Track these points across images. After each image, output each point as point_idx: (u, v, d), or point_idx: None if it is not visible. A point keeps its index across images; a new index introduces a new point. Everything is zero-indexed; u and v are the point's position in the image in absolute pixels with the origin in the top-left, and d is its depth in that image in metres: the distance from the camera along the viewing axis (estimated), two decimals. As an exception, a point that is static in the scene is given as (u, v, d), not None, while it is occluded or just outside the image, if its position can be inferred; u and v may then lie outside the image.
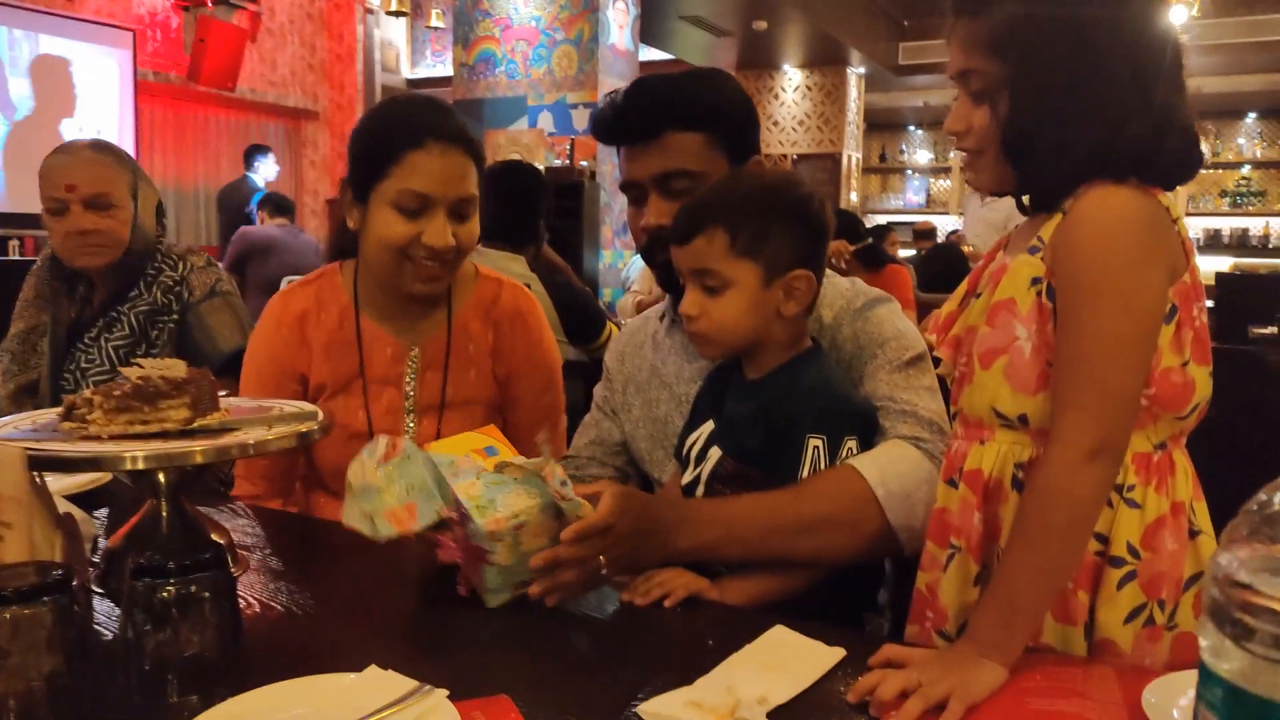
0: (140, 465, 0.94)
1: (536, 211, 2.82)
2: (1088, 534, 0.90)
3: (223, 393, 1.15)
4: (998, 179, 1.02)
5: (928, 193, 12.06)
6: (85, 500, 1.33)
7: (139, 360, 1.06)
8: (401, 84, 10.13)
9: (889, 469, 1.10)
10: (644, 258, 1.39)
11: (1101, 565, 0.93)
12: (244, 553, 1.18)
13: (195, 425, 1.03)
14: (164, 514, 1.06)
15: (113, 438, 0.99)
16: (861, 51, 8.86)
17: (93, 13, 7.31)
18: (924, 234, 8.44)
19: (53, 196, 1.79)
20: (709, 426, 1.22)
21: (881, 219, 10.59)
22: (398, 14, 8.24)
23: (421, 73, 10.35)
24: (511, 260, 2.73)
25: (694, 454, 1.22)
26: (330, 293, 1.48)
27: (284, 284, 4.40)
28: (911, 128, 12.18)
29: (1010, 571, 0.88)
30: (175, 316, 1.88)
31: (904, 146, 12.29)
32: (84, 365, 1.87)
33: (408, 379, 1.45)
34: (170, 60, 7.97)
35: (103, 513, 1.32)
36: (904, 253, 7.72)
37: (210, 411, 1.06)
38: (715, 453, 1.18)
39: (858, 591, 1.21)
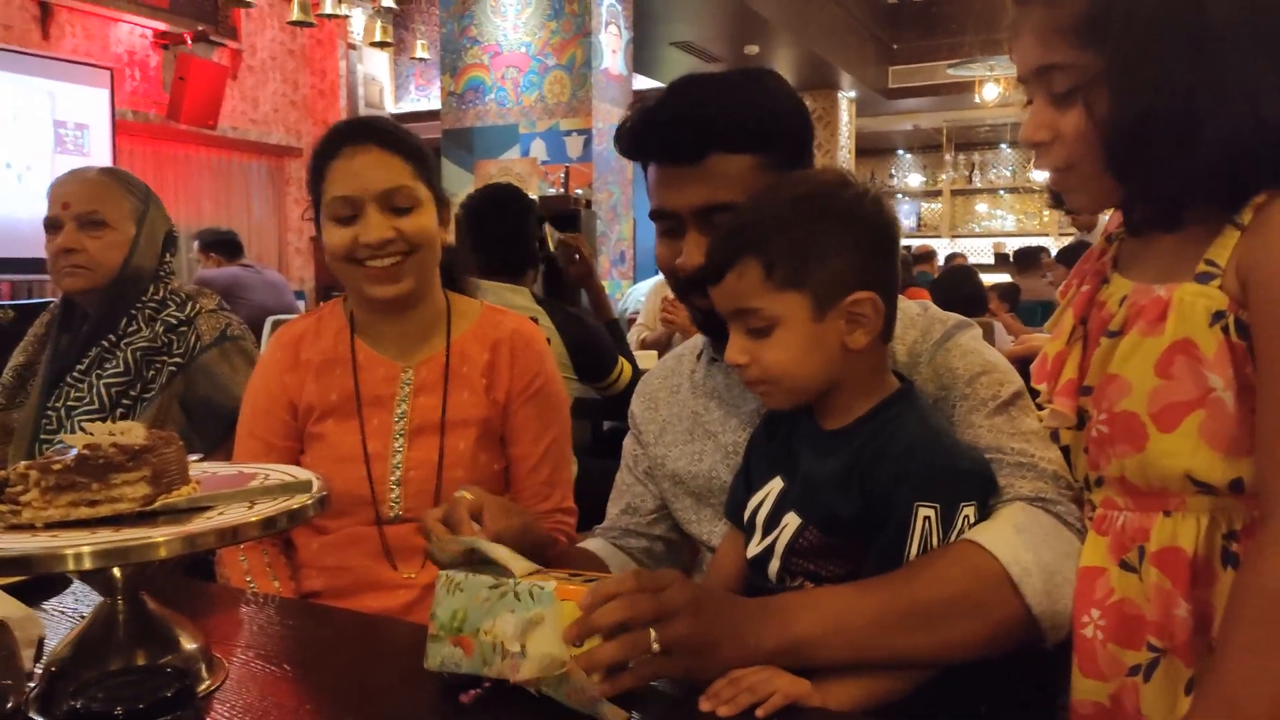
0: (86, 565, 0.73)
1: (528, 234, 2.64)
2: None
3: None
4: (1099, 195, 0.84)
5: (919, 216, 11.99)
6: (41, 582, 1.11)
7: (86, 425, 0.85)
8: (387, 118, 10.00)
9: (1022, 541, 0.89)
10: (681, 300, 1.19)
11: None
12: (226, 655, 0.96)
13: (157, 505, 0.82)
14: (120, 618, 0.85)
15: (50, 526, 0.78)
16: (852, 75, 8.81)
17: (70, 51, 7.15)
18: (923, 257, 8.34)
19: (50, 214, 1.74)
20: (777, 485, 1.01)
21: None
22: (381, 45, 8.10)
23: (406, 106, 10.22)
24: (514, 293, 2.54)
25: (761, 520, 1.01)
26: (330, 318, 1.47)
27: (268, 324, 4.20)
28: (901, 151, 12.13)
29: (1234, 680, 0.70)
30: (178, 360, 1.73)
31: (894, 170, 12.23)
32: (71, 403, 1.70)
33: (399, 401, 1.39)
34: (149, 99, 7.82)
35: (64, 602, 1.10)
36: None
37: (176, 485, 0.86)
38: (793, 519, 0.97)
39: (978, 687, 1.00)
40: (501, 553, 0.88)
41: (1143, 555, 0.82)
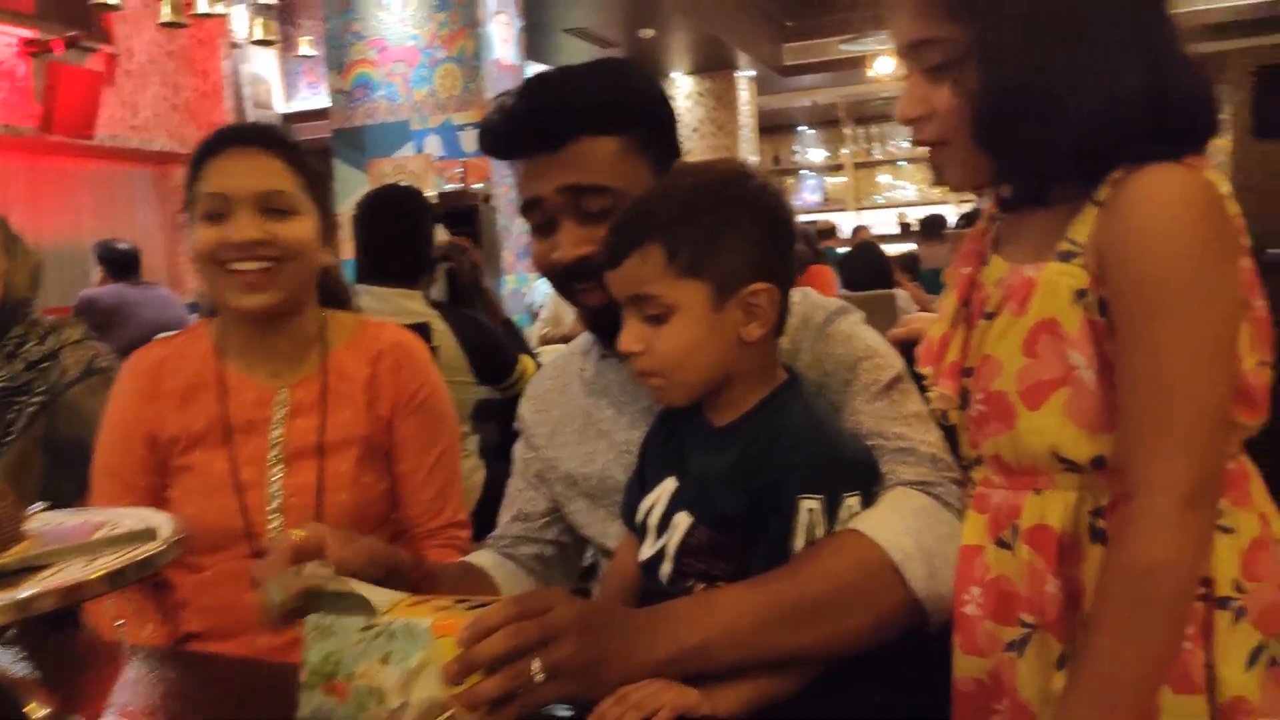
0: (-105, 643, 0.67)
1: (423, 237, 2.57)
2: (1194, 597, 0.74)
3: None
4: (972, 170, 0.85)
5: (824, 190, 12.16)
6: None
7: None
8: (276, 118, 9.67)
9: (903, 526, 0.89)
10: (564, 297, 1.16)
11: (1210, 610, 0.77)
12: (88, 716, 0.90)
13: (-16, 569, 0.76)
14: (-47, 691, 0.79)
15: None
16: (748, 54, 8.87)
17: (-75, 64, 6.74)
18: (826, 233, 8.47)
19: None
20: (670, 485, 0.99)
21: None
22: (265, 44, 7.82)
23: (298, 105, 9.91)
24: (406, 298, 2.48)
25: (654, 522, 0.99)
26: (193, 343, 1.39)
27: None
28: (802, 128, 12.27)
29: (1106, 659, 0.71)
30: (40, 398, 1.61)
31: (796, 147, 12.36)
32: None
33: (274, 425, 1.32)
34: (20, 111, 7.41)
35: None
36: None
37: (10, 544, 0.79)
38: (683, 519, 0.95)
39: (869, 675, 1.00)
40: (357, 587, 0.84)
41: (1016, 533, 0.83)
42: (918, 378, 1.05)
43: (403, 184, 2.99)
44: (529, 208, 1.09)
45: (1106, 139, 0.77)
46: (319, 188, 1.35)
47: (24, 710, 0.81)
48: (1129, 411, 0.75)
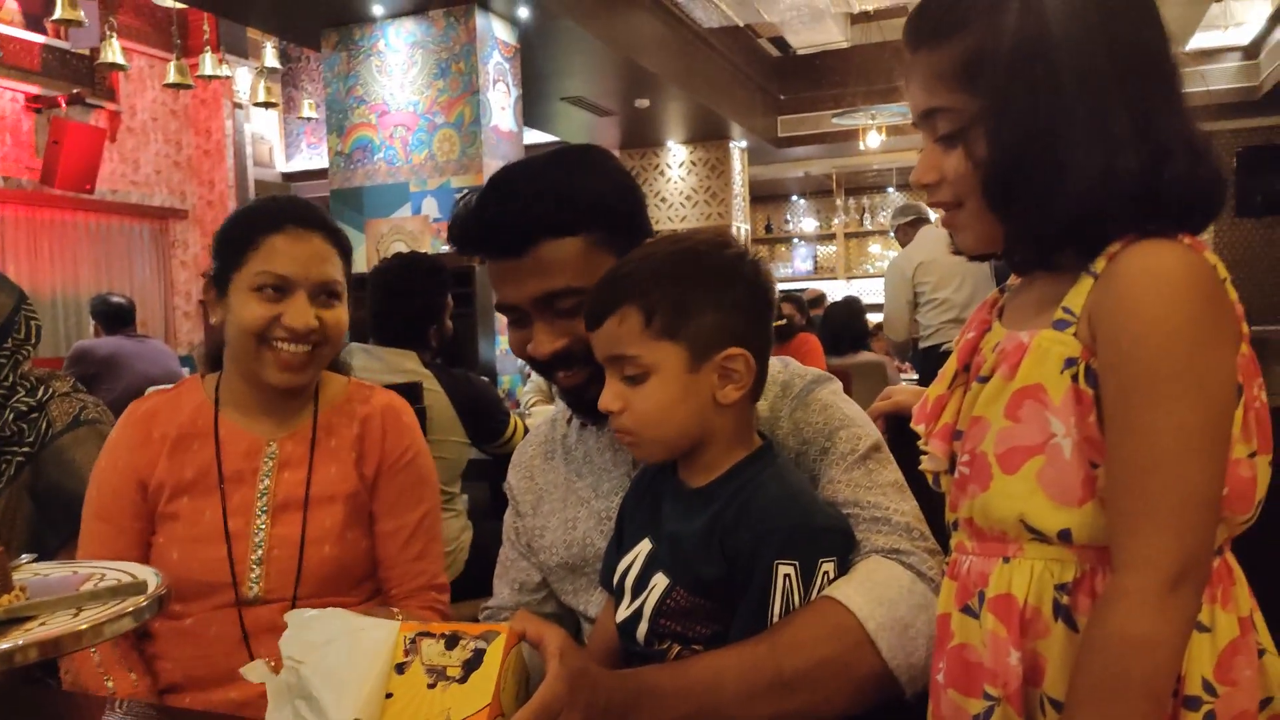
0: (-121, 691, 0.68)
1: (438, 306, 2.61)
2: (1173, 681, 0.72)
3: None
4: (985, 235, 0.86)
5: (814, 259, 12.30)
6: None
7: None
8: (276, 178, 9.81)
9: (877, 595, 0.90)
10: (544, 377, 1.18)
11: (1176, 709, 0.75)
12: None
13: (-30, 620, 0.77)
14: (-68, 743, 0.79)
15: None
16: (742, 125, 9.03)
17: (-68, 117, 6.83)
18: (815, 301, 8.52)
19: None
20: (645, 546, 1.00)
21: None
22: (267, 106, 7.96)
23: (298, 165, 10.06)
24: (403, 357, 2.51)
25: (630, 583, 1.00)
26: (187, 394, 1.42)
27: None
28: (795, 197, 12.47)
29: None
30: (28, 449, 1.60)
31: (788, 215, 12.55)
32: None
33: (262, 475, 1.35)
34: (21, 164, 7.50)
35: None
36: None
37: (-4, 595, 0.80)
38: (660, 580, 0.96)
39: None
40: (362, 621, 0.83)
41: (982, 600, 0.83)
42: (901, 446, 1.06)
43: (418, 253, 3.03)
44: (502, 309, 1.11)
45: (1102, 210, 0.78)
46: (350, 268, 1.40)
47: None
48: (1115, 488, 0.75)
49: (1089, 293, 0.79)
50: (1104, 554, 0.76)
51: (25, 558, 0.93)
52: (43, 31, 7.47)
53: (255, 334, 1.29)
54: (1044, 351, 0.80)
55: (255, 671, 0.82)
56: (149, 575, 0.88)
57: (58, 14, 5.43)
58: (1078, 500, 0.77)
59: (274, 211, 1.34)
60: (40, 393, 1.67)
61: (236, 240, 1.33)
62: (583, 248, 1.05)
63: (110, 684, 1.25)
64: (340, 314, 1.35)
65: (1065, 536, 0.78)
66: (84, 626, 0.76)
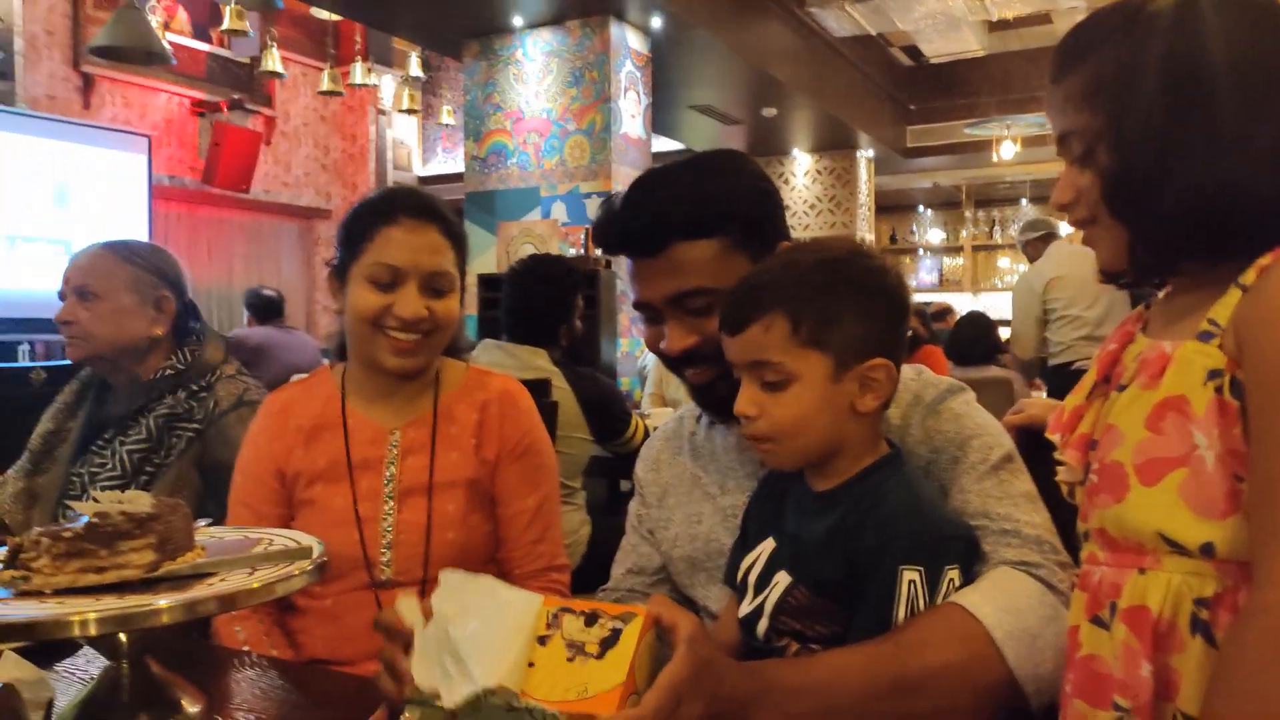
0: (92, 631, 0.76)
1: (568, 306, 2.69)
2: None
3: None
4: (1117, 249, 0.87)
5: (940, 272, 11.99)
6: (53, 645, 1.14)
7: (96, 494, 0.89)
8: (413, 180, 10.22)
9: (1005, 604, 0.90)
10: (674, 372, 1.22)
11: None
12: (229, 717, 0.98)
13: (161, 571, 0.85)
14: (125, 682, 0.88)
15: (59, 592, 0.81)
16: (870, 135, 8.89)
17: (109, 119, 7.41)
18: (940, 314, 8.32)
19: (60, 289, 1.81)
20: (769, 545, 1.02)
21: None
22: (410, 112, 8.33)
23: (434, 169, 10.44)
24: (533, 354, 2.60)
25: (753, 580, 1.02)
26: (319, 385, 1.48)
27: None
28: (921, 208, 12.18)
29: None
30: (197, 425, 1.76)
31: (914, 227, 12.27)
32: (94, 469, 1.74)
33: (388, 463, 1.40)
34: (185, 164, 8.06)
35: (75, 664, 1.13)
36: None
37: (181, 552, 0.89)
38: (782, 578, 0.98)
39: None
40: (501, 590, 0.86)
41: (1114, 611, 0.82)
42: (1033, 458, 1.05)
43: (552, 255, 3.14)
44: (639, 306, 1.16)
45: (1236, 220, 0.78)
46: (465, 258, 1.45)
47: (180, 704, 0.90)
48: (1257, 502, 0.73)
49: (1236, 305, 0.78)
50: (1247, 570, 0.75)
51: (202, 522, 1.03)
52: (208, 40, 8.02)
53: (369, 321, 1.33)
54: (1188, 363, 0.79)
55: (408, 607, 0.86)
56: (313, 542, 0.96)
57: (225, 24, 5.83)
58: (1221, 514, 0.76)
59: (390, 203, 1.37)
60: (210, 375, 1.82)
61: (355, 232, 1.37)
62: (717, 250, 1.09)
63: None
64: (451, 304, 1.38)
65: (1208, 551, 0.77)
66: (257, 585, 0.84)
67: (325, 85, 7.10)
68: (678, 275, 1.09)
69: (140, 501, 0.88)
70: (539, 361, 2.57)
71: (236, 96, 8.20)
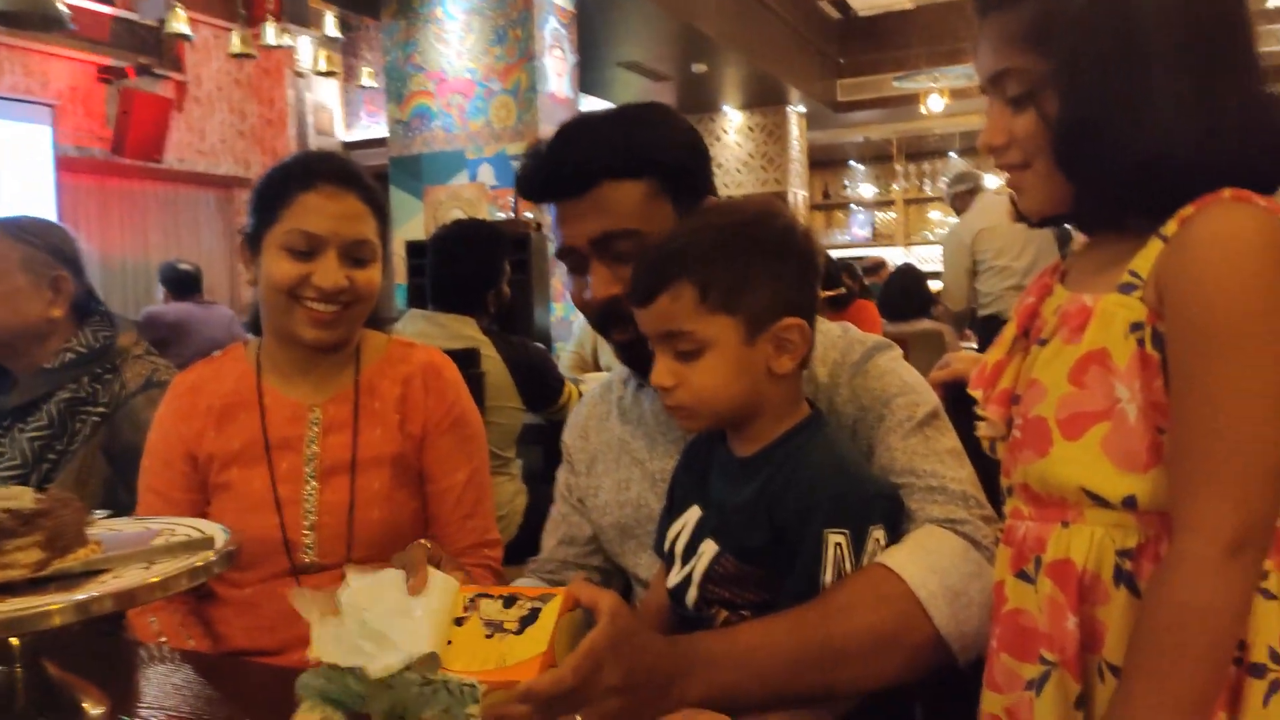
0: (-30, 636, 0.71)
1: (495, 271, 2.63)
2: (1233, 648, 0.72)
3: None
4: (1051, 196, 0.85)
5: (873, 226, 12.11)
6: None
7: (-26, 492, 0.83)
8: (337, 146, 9.93)
9: (930, 563, 0.90)
10: (599, 333, 1.19)
11: (1241, 677, 0.74)
12: (136, 717, 0.94)
13: (50, 570, 0.80)
14: (19, 687, 0.83)
15: (-66, 599, 0.76)
16: (800, 90, 8.90)
17: (8, 88, 7.04)
18: (873, 269, 8.41)
19: None
20: (695, 513, 1.01)
21: (830, 255, 10.58)
22: (328, 74, 8.06)
23: (358, 134, 10.16)
24: (462, 323, 2.54)
25: (680, 549, 1.01)
26: (231, 362, 1.42)
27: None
28: (853, 163, 12.27)
29: (1140, 705, 0.70)
30: (103, 409, 1.67)
31: (846, 182, 12.36)
32: None
33: (308, 441, 1.35)
34: (93, 134, 7.71)
35: None
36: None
37: (73, 548, 0.83)
38: (709, 547, 0.97)
39: (898, 711, 1.00)
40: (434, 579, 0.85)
41: (1039, 566, 0.83)
42: (959, 413, 1.05)
43: (477, 219, 3.07)
44: (563, 254, 1.14)
45: (1171, 173, 0.77)
46: (386, 226, 1.39)
47: (81, 707, 0.86)
48: (1178, 452, 0.74)
49: (1158, 256, 0.78)
50: (1168, 520, 0.76)
51: (99, 514, 0.97)
52: (111, 3, 7.64)
53: (285, 292, 1.28)
54: (1109, 315, 0.79)
55: (302, 601, 0.84)
56: (217, 531, 0.92)
57: (125, -16, 5.54)
58: (1143, 466, 0.77)
59: (306, 168, 1.31)
60: (114, 356, 1.73)
61: (269, 198, 1.31)
62: (644, 192, 1.08)
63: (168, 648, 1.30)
64: (373, 273, 1.33)
65: (1130, 503, 0.77)
66: (155, 579, 0.80)
67: (236, 47, 6.81)
68: (605, 215, 1.07)
69: (24, 498, 0.82)
70: (467, 330, 2.52)
71: (144, 61, 7.84)
